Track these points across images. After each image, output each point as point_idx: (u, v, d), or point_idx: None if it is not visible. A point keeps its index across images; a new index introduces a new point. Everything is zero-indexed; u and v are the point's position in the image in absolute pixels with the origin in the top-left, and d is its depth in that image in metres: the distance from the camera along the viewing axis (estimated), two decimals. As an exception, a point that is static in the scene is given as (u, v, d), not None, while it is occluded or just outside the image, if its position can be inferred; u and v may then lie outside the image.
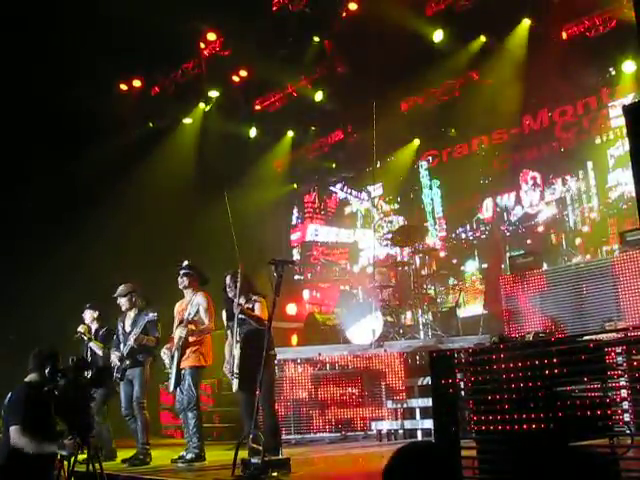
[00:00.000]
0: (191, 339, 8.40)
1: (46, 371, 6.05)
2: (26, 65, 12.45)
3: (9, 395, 6.00)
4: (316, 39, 14.06)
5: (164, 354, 8.50)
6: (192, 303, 8.47)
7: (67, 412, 5.97)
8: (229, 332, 7.94)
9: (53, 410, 5.96)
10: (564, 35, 12.78)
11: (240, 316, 7.58)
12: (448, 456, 2.81)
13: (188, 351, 8.39)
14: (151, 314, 8.68)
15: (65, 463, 5.84)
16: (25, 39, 12.31)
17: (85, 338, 9.45)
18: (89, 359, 9.16)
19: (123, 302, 8.98)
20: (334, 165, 17.59)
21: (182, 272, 8.65)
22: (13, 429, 5.74)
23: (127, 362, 8.70)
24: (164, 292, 9.36)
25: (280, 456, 6.92)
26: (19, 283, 13.00)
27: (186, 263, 8.71)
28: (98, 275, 12.78)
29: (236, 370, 7.55)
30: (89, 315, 9.70)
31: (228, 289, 7.85)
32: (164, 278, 9.10)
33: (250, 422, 7.04)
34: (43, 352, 6.19)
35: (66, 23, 12.17)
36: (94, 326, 9.67)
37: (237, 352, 7.53)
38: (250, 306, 7.65)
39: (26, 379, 6.13)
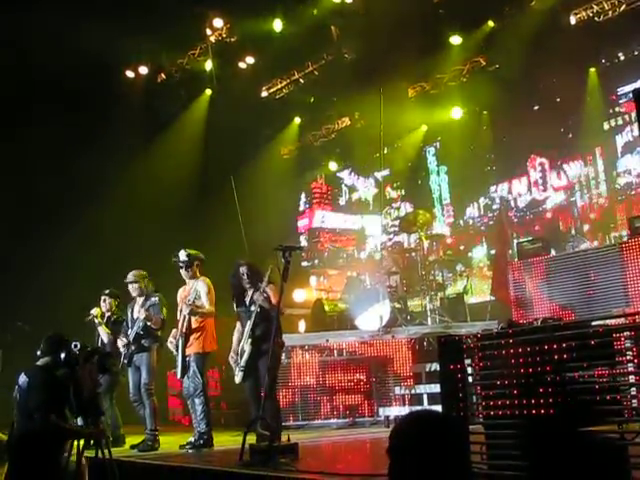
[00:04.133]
0: (194, 324, 8.43)
1: (61, 356, 6.04)
2: (28, 50, 12.41)
3: (24, 379, 5.96)
4: (323, 24, 13.99)
5: (170, 343, 8.54)
6: (194, 289, 8.52)
7: (80, 397, 5.98)
8: (238, 321, 8.03)
9: (72, 394, 5.95)
10: (573, 20, 12.68)
11: (253, 308, 7.69)
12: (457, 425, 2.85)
13: (192, 338, 8.43)
14: (152, 298, 8.72)
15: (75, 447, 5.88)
16: (29, 23, 12.28)
17: (96, 321, 9.48)
18: (99, 344, 9.22)
19: (131, 289, 9.02)
20: (341, 151, 17.56)
21: (184, 265, 8.65)
22: (42, 415, 5.71)
23: (133, 347, 8.73)
24: (169, 278, 9.36)
25: (281, 440, 6.93)
26: (27, 270, 13.04)
27: (184, 255, 8.66)
28: (104, 262, 12.83)
29: (243, 364, 7.65)
30: (108, 302, 9.70)
31: (246, 278, 7.91)
32: (169, 265, 9.10)
33: (257, 408, 7.11)
34: (57, 337, 6.18)
35: (70, 9, 12.13)
36: (108, 313, 9.68)
37: (248, 348, 7.62)
38: (259, 296, 7.72)
39: (39, 363, 6.10)
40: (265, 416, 6.87)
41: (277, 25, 13.78)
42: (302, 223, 18.25)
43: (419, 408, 9.15)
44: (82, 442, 5.88)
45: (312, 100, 16.26)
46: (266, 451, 6.35)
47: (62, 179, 13.51)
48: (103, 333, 9.42)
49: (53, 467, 5.76)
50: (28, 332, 11.60)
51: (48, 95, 12.95)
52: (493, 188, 14.85)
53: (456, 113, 14.78)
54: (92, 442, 5.92)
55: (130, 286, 9.02)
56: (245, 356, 7.65)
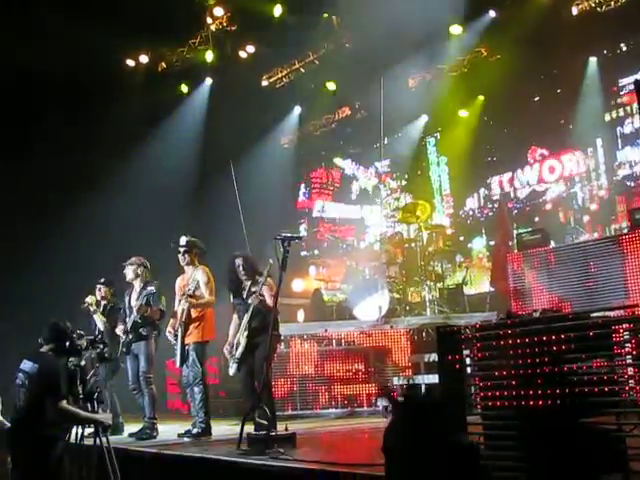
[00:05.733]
0: (194, 314, 8.42)
1: (66, 343, 6.02)
2: (27, 40, 12.36)
3: (30, 365, 5.91)
4: (324, 14, 13.94)
5: (169, 333, 8.53)
6: (192, 278, 8.50)
7: (84, 385, 5.99)
8: (235, 313, 8.06)
9: (78, 381, 5.95)
10: (574, 10, 12.62)
11: (250, 301, 7.72)
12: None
13: (191, 327, 8.42)
14: (149, 287, 8.70)
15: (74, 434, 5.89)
16: (29, 13, 12.24)
17: (91, 309, 9.46)
18: (95, 332, 9.21)
19: (128, 272, 8.95)
20: (341, 141, 17.54)
21: (182, 250, 8.64)
22: (55, 402, 5.67)
23: (131, 336, 8.72)
24: (168, 267, 9.34)
25: (276, 430, 6.94)
26: (24, 258, 13.01)
27: (184, 240, 8.66)
28: (101, 253, 12.80)
29: (238, 356, 7.70)
30: (103, 291, 9.68)
31: (241, 270, 7.93)
32: (168, 254, 9.09)
33: (253, 397, 7.14)
34: (61, 324, 6.16)
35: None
36: (104, 302, 9.66)
37: (243, 340, 7.66)
38: (257, 289, 7.77)
39: (43, 350, 6.06)
40: (262, 406, 6.89)
41: (277, 11, 13.69)
42: (302, 212, 18.26)
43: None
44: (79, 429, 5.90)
45: (312, 89, 16.19)
46: (264, 440, 6.37)
47: (61, 168, 13.47)
48: (99, 321, 9.40)
49: (57, 453, 5.75)
50: (24, 320, 11.60)
51: (47, 85, 12.89)
52: (493, 179, 14.82)
53: (461, 112, 14.79)
54: (100, 429, 5.94)
55: (127, 269, 8.98)
56: (240, 348, 7.70)
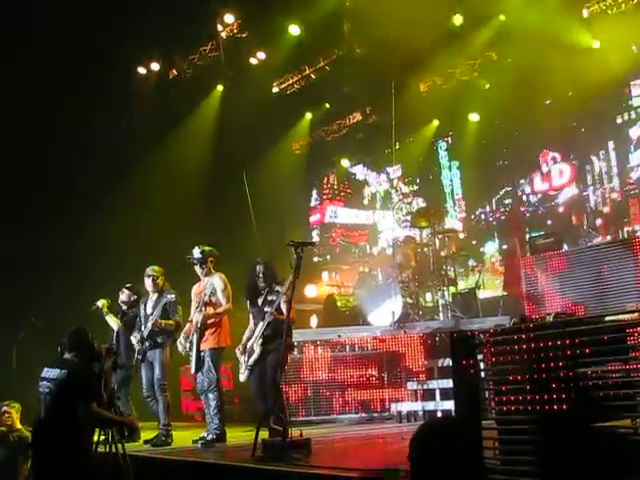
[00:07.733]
0: (209, 321, 8.46)
1: (89, 351, 6.07)
2: (40, 47, 12.45)
3: (58, 372, 5.93)
4: (334, 20, 13.96)
5: (180, 344, 8.56)
6: (209, 284, 8.53)
7: (106, 390, 6.04)
8: (251, 317, 8.11)
9: (102, 387, 6.00)
10: (585, 13, 12.59)
11: (267, 309, 7.77)
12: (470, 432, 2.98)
13: (207, 333, 8.44)
14: (169, 295, 8.73)
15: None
16: (43, 20, 12.35)
17: (104, 311, 9.49)
18: (114, 338, 9.29)
19: (147, 283, 9.01)
20: (353, 147, 17.55)
21: (198, 262, 8.66)
22: (88, 405, 5.71)
23: (147, 344, 8.74)
24: (182, 276, 9.37)
25: (288, 436, 6.94)
26: (39, 268, 13.07)
27: (198, 252, 8.66)
28: (118, 260, 12.86)
29: (251, 363, 7.75)
30: (126, 294, 9.73)
31: (261, 277, 8.04)
32: (181, 262, 9.11)
33: (264, 404, 7.16)
34: (83, 332, 6.20)
35: (82, 6, 12.17)
36: (125, 306, 9.70)
37: (258, 349, 7.72)
38: (274, 298, 7.89)
39: (68, 356, 6.08)
40: (277, 411, 6.91)
41: (293, 30, 13.75)
42: (314, 219, 18.24)
43: (437, 414, 9.18)
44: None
45: (323, 95, 16.22)
46: (279, 446, 6.37)
47: (75, 178, 13.56)
48: (112, 322, 9.45)
49: (85, 459, 5.78)
50: (40, 328, 11.67)
51: (59, 93, 12.97)
52: (505, 182, 14.79)
53: (473, 117, 14.78)
54: (127, 432, 6.00)
55: (147, 280, 9.00)
56: (254, 356, 7.76)
